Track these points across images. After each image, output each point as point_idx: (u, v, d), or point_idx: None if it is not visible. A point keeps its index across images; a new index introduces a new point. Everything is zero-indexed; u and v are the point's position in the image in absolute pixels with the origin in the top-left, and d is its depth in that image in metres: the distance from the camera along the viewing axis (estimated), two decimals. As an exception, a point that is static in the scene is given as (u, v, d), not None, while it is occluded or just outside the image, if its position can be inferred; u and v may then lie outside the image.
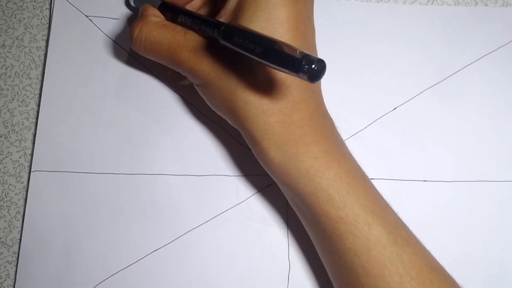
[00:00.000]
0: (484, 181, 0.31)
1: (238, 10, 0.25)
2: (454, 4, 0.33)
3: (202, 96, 0.28)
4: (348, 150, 0.27)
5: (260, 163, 0.27)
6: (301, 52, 0.19)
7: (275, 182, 0.31)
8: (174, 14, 0.28)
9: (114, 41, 0.33)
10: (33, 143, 0.32)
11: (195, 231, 0.30)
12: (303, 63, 0.19)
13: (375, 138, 0.32)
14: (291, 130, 0.25)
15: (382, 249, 0.23)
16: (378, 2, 0.34)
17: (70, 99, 0.32)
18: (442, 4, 0.33)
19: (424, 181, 0.31)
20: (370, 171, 0.31)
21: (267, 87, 0.25)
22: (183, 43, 0.26)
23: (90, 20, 0.33)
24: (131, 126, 0.32)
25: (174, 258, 0.30)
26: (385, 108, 0.32)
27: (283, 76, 0.25)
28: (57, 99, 0.32)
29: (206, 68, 0.26)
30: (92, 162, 0.31)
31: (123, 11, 0.34)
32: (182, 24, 0.27)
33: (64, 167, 0.31)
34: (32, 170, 0.31)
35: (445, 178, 0.31)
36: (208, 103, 0.28)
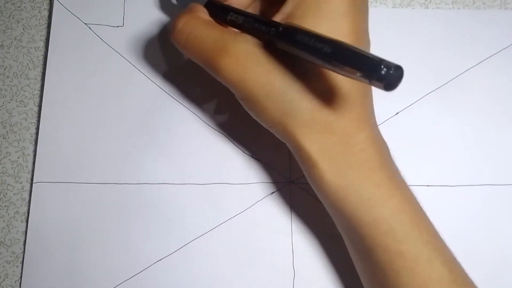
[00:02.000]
0: (488, 185, 0.31)
1: (296, 17, 0.23)
2: (452, 3, 0.33)
3: (248, 110, 0.25)
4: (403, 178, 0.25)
5: (313, 185, 0.25)
6: (375, 56, 0.17)
7: (279, 190, 0.31)
8: (223, 12, 0.25)
9: (114, 49, 0.33)
10: (34, 153, 0.32)
11: (199, 239, 0.30)
12: (382, 66, 0.16)
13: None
14: (353, 152, 0.23)
15: None
16: (376, 7, 0.34)
17: (71, 110, 0.32)
18: (440, 3, 0.33)
19: (428, 186, 0.31)
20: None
21: (331, 102, 0.22)
22: (233, 44, 0.23)
23: (89, 28, 0.33)
24: (133, 135, 0.32)
25: (179, 266, 0.30)
26: (387, 113, 0.32)
27: (346, 92, 0.23)
28: (57, 110, 0.32)
29: (261, 79, 0.22)
30: (94, 172, 0.31)
31: (123, 19, 0.33)
32: (232, 23, 0.24)
33: (66, 178, 0.31)
34: (34, 181, 0.31)
35: (449, 182, 0.31)
36: (256, 118, 0.25)
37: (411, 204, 0.23)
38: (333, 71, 0.18)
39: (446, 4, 0.34)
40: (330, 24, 0.22)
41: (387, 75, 0.16)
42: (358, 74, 0.17)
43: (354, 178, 0.23)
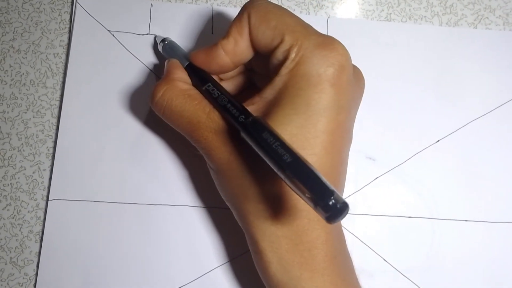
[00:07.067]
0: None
1: (273, 105, 0.23)
2: (503, 24, 0.31)
3: (213, 179, 0.26)
4: (358, 281, 0.25)
5: (258, 270, 0.25)
6: (329, 185, 0.17)
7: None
8: (200, 80, 0.26)
9: (138, 59, 0.31)
10: (51, 168, 0.30)
11: (223, 267, 0.29)
12: (332, 197, 0.17)
13: (415, 172, 0.30)
14: (298, 250, 0.23)
15: None
16: (420, 24, 0.31)
17: (91, 123, 0.30)
18: (489, 24, 0.31)
19: (466, 221, 0.29)
20: (409, 209, 0.29)
21: (283, 199, 0.23)
22: (205, 121, 0.24)
23: (113, 36, 0.31)
24: (157, 152, 0.30)
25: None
26: (428, 140, 0.30)
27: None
28: (77, 123, 0.30)
29: (225, 156, 0.24)
30: (114, 190, 0.30)
31: (149, 27, 0.31)
32: (207, 93, 0.25)
33: (84, 196, 0.30)
34: (50, 198, 0.29)
35: (489, 218, 0.29)
36: (217, 188, 0.26)
37: None
38: (283, 181, 0.18)
39: (496, 25, 0.31)
40: (304, 120, 0.22)
41: (333, 207, 0.17)
42: (307, 195, 0.17)
43: (295, 277, 0.23)
